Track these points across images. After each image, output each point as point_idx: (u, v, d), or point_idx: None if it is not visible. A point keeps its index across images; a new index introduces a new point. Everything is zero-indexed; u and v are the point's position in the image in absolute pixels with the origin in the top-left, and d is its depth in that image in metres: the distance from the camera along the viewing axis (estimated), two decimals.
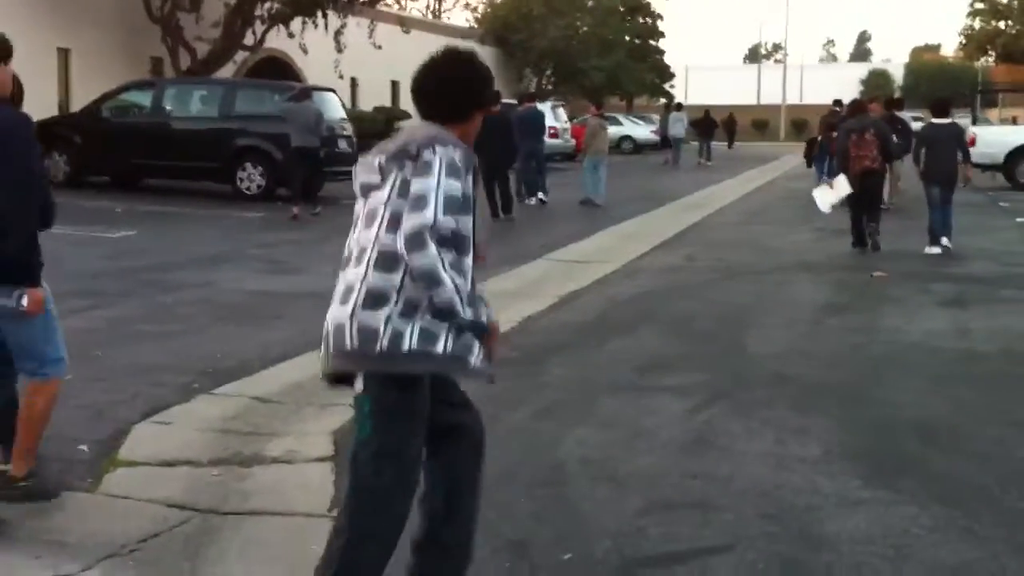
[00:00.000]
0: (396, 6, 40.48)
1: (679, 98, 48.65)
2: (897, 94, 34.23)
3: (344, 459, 4.84)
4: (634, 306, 9.17)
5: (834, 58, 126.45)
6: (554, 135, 27.09)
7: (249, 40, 25.61)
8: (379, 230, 2.95)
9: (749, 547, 3.97)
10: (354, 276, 2.97)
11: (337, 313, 2.99)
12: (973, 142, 21.00)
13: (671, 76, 56.74)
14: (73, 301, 7.62)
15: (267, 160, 17.37)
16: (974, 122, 24.99)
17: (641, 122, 43.37)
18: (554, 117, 28.47)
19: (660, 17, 55.58)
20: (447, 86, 3.13)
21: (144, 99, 18.82)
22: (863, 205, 12.42)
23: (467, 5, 50.03)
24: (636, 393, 6.25)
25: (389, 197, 2.95)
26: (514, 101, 21.83)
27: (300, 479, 4.72)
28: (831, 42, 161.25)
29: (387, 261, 2.93)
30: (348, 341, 2.93)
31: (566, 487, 4.65)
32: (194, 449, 5.03)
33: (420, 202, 2.86)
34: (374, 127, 30.36)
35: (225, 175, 17.63)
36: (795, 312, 8.89)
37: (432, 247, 2.84)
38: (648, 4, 54.94)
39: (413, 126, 3.09)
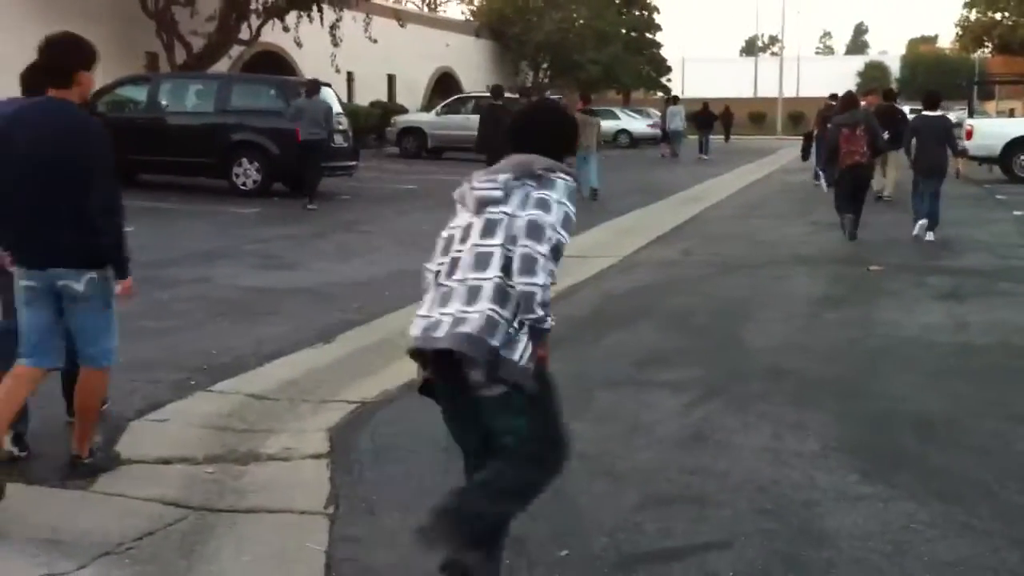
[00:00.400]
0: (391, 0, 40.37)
1: (676, 91, 48.53)
2: (894, 86, 34.19)
3: (340, 456, 4.88)
4: (631, 300, 9.16)
5: (831, 50, 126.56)
6: None
7: (244, 34, 25.53)
8: (505, 239, 3.16)
9: (747, 543, 3.96)
10: (477, 279, 3.14)
11: (460, 308, 3.12)
12: (970, 134, 21.03)
13: (668, 69, 56.63)
14: None
15: (263, 155, 17.28)
16: (971, 114, 24.86)
17: (638, 116, 43.18)
18: None
19: (656, 10, 55.43)
20: (558, 131, 3.48)
21: (139, 94, 18.71)
22: (854, 198, 12.47)
23: None
24: (633, 388, 6.24)
25: (515, 211, 3.18)
26: (516, 95, 21.76)
27: (296, 476, 4.71)
28: (828, 34, 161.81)
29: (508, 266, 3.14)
30: (471, 328, 3.07)
31: (563, 482, 4.60)
32: (190, 446, 5.01)
33: (544, 205, 3.16)
34: (370, 122, 30.35)
35: (221, 170, 17.54)
36: (792, 306, 8.88)
37: (546, 245, 3.09)
38: None
39: (524, 156, 3.31)
